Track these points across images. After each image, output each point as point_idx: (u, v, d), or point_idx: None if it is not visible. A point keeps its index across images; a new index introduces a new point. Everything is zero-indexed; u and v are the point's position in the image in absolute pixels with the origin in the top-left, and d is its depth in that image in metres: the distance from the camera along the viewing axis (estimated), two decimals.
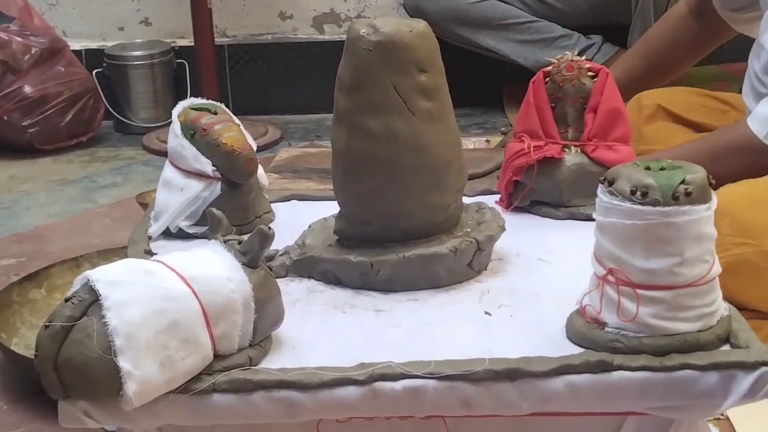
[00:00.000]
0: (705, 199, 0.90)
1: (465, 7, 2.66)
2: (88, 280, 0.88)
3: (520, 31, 2.66)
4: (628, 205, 0.90)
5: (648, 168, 0.92)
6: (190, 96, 2.16)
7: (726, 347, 0.93)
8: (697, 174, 0.91)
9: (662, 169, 0.92)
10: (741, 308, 0.98)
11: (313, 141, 2.66)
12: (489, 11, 2.66)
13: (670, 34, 1.71)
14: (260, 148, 2.53)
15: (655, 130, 1.62)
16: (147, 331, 0.87)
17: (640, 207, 0.89)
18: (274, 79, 2.89)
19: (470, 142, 2.34)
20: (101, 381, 0.87)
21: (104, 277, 0.88)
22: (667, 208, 0.89)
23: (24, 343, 1.58)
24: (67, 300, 0.88)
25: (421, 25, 1.08)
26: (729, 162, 1.29)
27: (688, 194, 0.89)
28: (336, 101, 1.09)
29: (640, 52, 1.74)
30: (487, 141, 2.34)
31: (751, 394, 0.90)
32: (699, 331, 0.92)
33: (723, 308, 0.95)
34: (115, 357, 0.86)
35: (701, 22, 1.67)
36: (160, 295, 0.89)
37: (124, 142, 2.75)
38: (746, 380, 0.90)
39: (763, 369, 0.90)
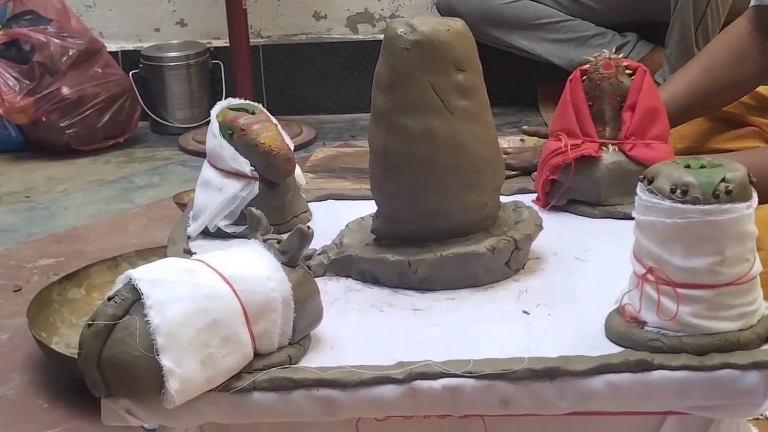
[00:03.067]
0: (746, 197, 0.90)
1: (498, 7, 2.66)
2: (131, 279, 0.89)
3: (554, 31, 2.65)
4: (668, 203, 0.89)
5: (688, 166, 0.92)
6: (226, 96, 2.17)
7: (767, 347, 0.92)
8: (738, 172, 0.90)
9: (702, 167, 0.91)
10: None
11: (347, 141, 2.67)
12: (522, 11, 2.66)
13: (735, 50, 1.55)
14: (295, 148, 2.53)
15: (692, 129, 1.60)
16: (188, 330, 0.88)
17: (680, 205, 0.89)
18: (309, 78, 2.91)
19: (505, 141, 2.33)
20: (143, 379, 0.87)
21: (146, 276, 0.89)
22: (707, 207, 0.88)
23: (64, 342, 1.60)
24: (109, 299, 0.89)
25: (458, 24, 1.08)
26: None
27: (728, 192, 0.88)
28: (373, 100, 1.09)
29: (702, 68, 1.55)
30: (522, 140, 2.33)
31: None
32: (740, 330, 0.91)
33: (764, 307, 0.94)
34: (157, 355, 0.86)
35: (766, 37, 1.53)
36: (201, 294, 0.89)
37: (161, 142, 2.77)
38: None
39: None
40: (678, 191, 0.89)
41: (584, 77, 1.26)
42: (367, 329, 1.01)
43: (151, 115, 2.81)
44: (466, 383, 0.91)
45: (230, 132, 1.21)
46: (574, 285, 1.08)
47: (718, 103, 1.55)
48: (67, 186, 2.48)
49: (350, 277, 1.12)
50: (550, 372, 0.91)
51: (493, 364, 0.92)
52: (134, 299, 0.88)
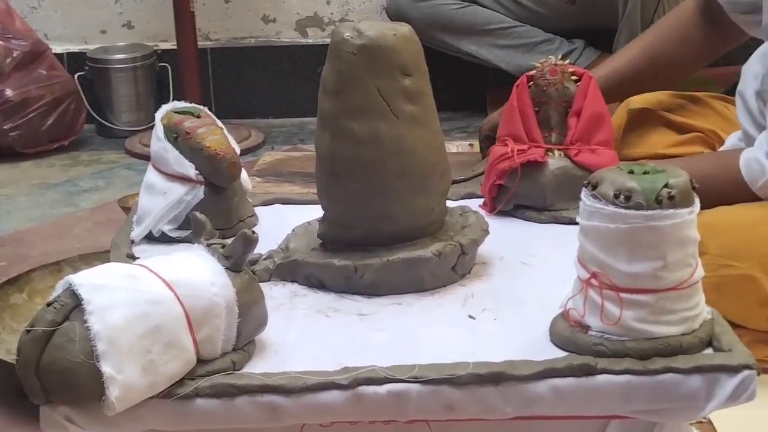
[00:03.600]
0: (688, 202, 0.91)
1: (447, 13, 2.67)
2: (71, 284, 0.88)
3: (503, 37, 2.67)
4: (611, 208, 0.90)
5: (631, 172, 0.92)
6: (173, 99, 2.15)
7: (709, 351, 0.94)
8: (680, 178, 0.91)
9: (645, 173, 0.92)
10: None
11: (296, 145, 2.66)
12: (471, 17, 2.67)
13: (678, 32, 1.60)
14: (243, 152, 2.51)
15: (638, 134, 1.62)
16: (129, 336, 0.87)
17: (623, 210, 0.89)
18: (257, 82, 2.89)
19: (454, 146, 2.34)
20: (83, 386, 0.86)
21: (87, 281, 0.88)
22: (650, 212, 0.89)
23: (5, 348, 1.57)
24: (49, 304, 0.88)
25: (405, 28, 1.08)
26: (721, 189, 1.29)
27: (671, 198, 0.89)
28: (320, 104, 1.09)
29: (645, 47, 1.61)
30: (471, 145, 2.34)
31: (734, 398, 0.90)
32: (682, 334, 0.92)
33: (706, 312, 0.95)
34: (98, 362, 0.85)
35: (710, 23, 1.59)
36: (143, 299, 0.88)
37: (107, 145, 2.74)
38: (729, 383, 0.90)
39: (746, 372, 0.90)
40: (621, 197, 0.89)
41: (530, 83, 1.27)
42: (312, 334, 1.01)
43: (97, 118, 2.78)
44: (411, 388, 0.91)
45: (175, 135, 1.20)
46: (519, 290, 1.08)
47: (657, 82, 1.60)
48: (10, 189, 2.44)
49: (296, 282, 1.11)
50: (495, 377, 0.91)
51: (438, 369, 0.92)
52: (74, 305, 0.87)
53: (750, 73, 1.45)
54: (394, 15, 2.71)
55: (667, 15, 1.66)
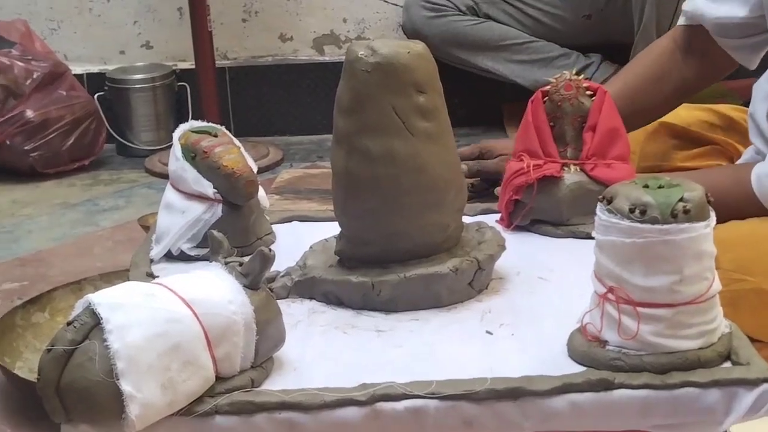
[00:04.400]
0: (703, 216, 0.91)
1: (462, 29, 2.68)
2: (90, 303, 0.89)
3: (518, 52, 2.67)
4: (626, 223, 0.90)
5: (646, 186, 0.92)
6: (192, 118, 2.17)
7: (727, 364, 0.93)
8: (695, 192, 0.91)
9: (660, 187, 0.92)
10: None
11: (314, 162, 2.67)
12: (487, 33, 2.68)
13: (654, 70, 1.56)
14: (262, 170, 2.54)
15: (656, 147, 1.62)
16: (149, 354, 0.87)
17: (638, 225, 0.89)
18: (275, 100, 2.91)
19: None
20: (103, 404, 0.87)
21: (105, 300, 0.89)
22: (665, 226, 0.89)
23: (28, 367, 1.59)
24: (69, 324, 0.89)
25: (419, 46, 1.08)
26: (734, 204, 1.29)
27: (686, 212, 0.89)
28: (335, 123, 1.10)
29: (620, 87, 1.55)
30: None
31: (753, 411, 0.90)
32: (700, 348, 0.92)
33: (724, 325, 0.95)
34: (117, 380, 0.86)
35: (691, 56, 1.55)
36: (162, 317, 0.89)
37: (126, 165, 2.76)
38: (748, 397, 0.90)
39: (765, 386, 0.90)
40: (636, 211, 0.90)
41: (545, 98, 1.27)
42: (330, 351, 1.01)
43: (117, 137, 2.80)
44: (429, 404, 0.91)
45: (192, 155, 1.21)
46: (537, 305, 1.08)
47: (635, 122, 1.55)
48: (32, 209, 2.46)
49: (314, 299, 1.11)
50: (513, 392, 0.91)
51: (455, 384, 0.92)
52: (94, 324, 0.88)
53: (761, 92, 1.44)
54: (411, 32, 2.72)
55: (642, 53, 1.62)
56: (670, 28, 2.47)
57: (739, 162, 1.50)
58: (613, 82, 1.62)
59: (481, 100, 2.84)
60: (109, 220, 2.36)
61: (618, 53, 2.64)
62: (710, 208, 0.92)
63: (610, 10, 2.65)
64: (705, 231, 0.90)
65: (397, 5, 2.86)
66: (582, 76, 1.29)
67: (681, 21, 1.56)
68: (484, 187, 1.54)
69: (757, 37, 1.46)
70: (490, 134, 2.82)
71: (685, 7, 1.56)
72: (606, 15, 2.66)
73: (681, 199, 0.90)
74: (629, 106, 1.50)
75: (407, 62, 1.06)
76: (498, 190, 1.36)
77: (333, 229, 1.16)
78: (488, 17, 2.70)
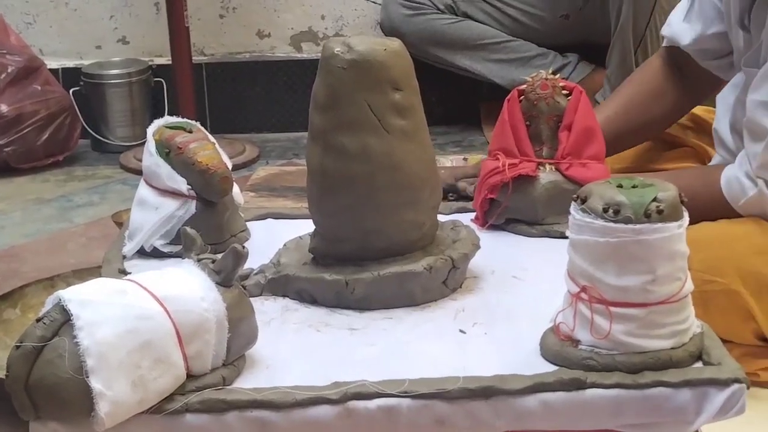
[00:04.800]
0: (677, 216, 0.91)
1: (440, 27, 2.68)
2: (60, 299, 0.88)
3: (496, 51, 2.68)
4: (600, 222, 0.90)
5: (620, 186, 0.93)
6: (168, 114, 2.15)
7: (699, 364, 0.94)
8: (669, 192, 0.91)
9: (634, 186, 0.92)
10: None
11: (290, 159, 2.66)
12: (465, 32, 2.68)
13: (651, 86, 1.56)
14: (238, 167, 2.52)
15: (629, 150, 1.62)
16: (119, 351, 0.86)
17: (612, 224, 0.90)
18: (252, 97, 2.89)
19: (448, 160, 2.35)
20: (73, 401, 0.86)
21: (76, 296, 0.88)
22: (638, 226, 0.89)
23: None
24: (38, 320, 0.88)
25: (395, 43, 1.08)
26: (704, 205, 1.29)
27: (659, 212, 0.90)
28: (311, 119, 1.09)
29: (620, 104, 1.55)
30: (465, 159, 2.35)
31: (724, 411, 0.90)
32: (672, 348, 0.92)
33: (696, 325, 0.95)
34: (87, 377, 0.85)
35: (680, 76, 1.56)
36: (133, 314, 0.88)
37: (101, 160, 2.74)
38: (719, 397, 0.90)
39: (735, 386, 0.90)
40: (610, 211, 0.90)
41: (521, 97, 1.27)
42: (303, 349, 1.01)
43: (92, 133, 2.78)
44: (401, 403, 0.91)
45: (167, 150, 1.20)
46: (510, 304, 1.08)
47: (635, 139, 1.56)
48: (5, 205, 2.43)
49: (288, 296, 1.11)
50: (485, 391, 0.91)
51: (428, 383, 0.92)
52: (63, 320, 0.87)
53: (724, 105, 1.45)
54: (388, 30, 2.72)
55: (636, 71, 1.63)
56: (647, 28, 2.49)
57: (711, 164, 1.51)
58: (610, 99, 1.63)
59: (458, 99, 2.84)
60: (83, 217, 2.34)
61: (595, 54, 2.65)
62: (683, 208, 0.92)
63: (588, 10, 2.66)
64: (678, 231, 0.91)
65: (375, 3, 2.85)
66: (559, 75, 1.29)
67: (663, 43, 1.57)
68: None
69: (731, 56, 1.46)
70: (467, 133, 2.82)
71: (662, 31, 1.57)
72: (584, 15, 2.67)
73: (654, 199, 0.90)
74: (626, 123, 1.52)
75: (383, 59, 1.06)
76: (472, 189, 1.36)
77: (308, 226, 1.16)
78: (466, 16, 2.70)
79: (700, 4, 1.48)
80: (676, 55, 1.54)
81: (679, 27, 1.51)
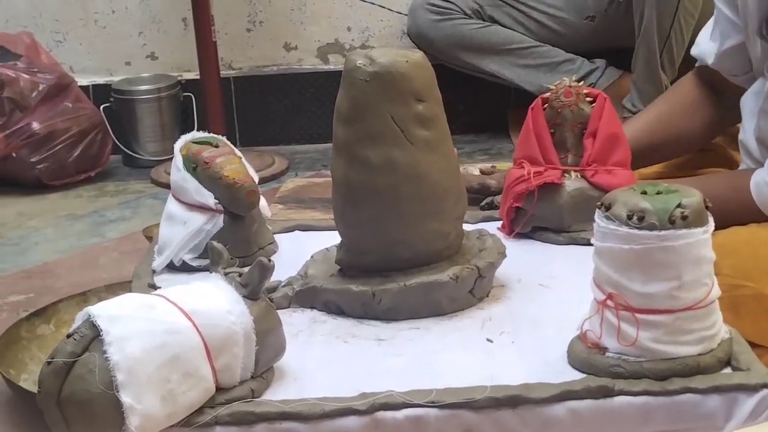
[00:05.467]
0: (701, 222, 0.90)
1: (468, 32, 2.68)
2: (90, 315, 0.89)
3: (524, 56, 2.67)
4: (625, 229, 0.90)
5: (644, 192, 0.92)
6: (197, 128, 2.17)
7: (727, 370, 0.93)
8: (693, 198, 0.91)
9: (658, 193, 0.92)
10: None
11: (319, 171, 2.67)
12: (492, 37, 2.68)
13: (689, 100, 1.54)
14: (267, 179, 2.54)
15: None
16: (148, 366, 0.87)
17: (636, 231, 0.89)
18: (280, 109, 2.91)
19: (476, 168, 2.35)
20: (104, 416, 0.87)
21: (105, 312, 0.89)
22: (663, 232, 0.89)
23: (32, 379, 1.59)
24: (69, 336, 0.89)
25: (417, 55, 1.09)
26: (733, 210, 1.29)
27: (684, 218, 0.89)
28: (335, 132, 1.10)
29: (652, 119, 1.55)
30: (493, 167, 2.34)
31: (753, 417, 0.90)
32: (700, 354, 0.92)
33: (724, 331, 0.95)
34: (117, 392, 0.86)
35: (715, 93, 1.54)
36: (161, 329, 0.89)
37: (132, 176, 2.77)
38: (748, 403, 0.90)
39: (765, 391, 0.90)
40: (634, 217, 0.90)
41: (545, 105, 1.27)
42: (330, 361, 1.01)
43: (123, 148, 2.81)
44: (429, 413, 0.91)
45: (194, 165, 1.21)
46: (537, 312, 1.08)
47: (667, 153, 1.55)
48: (38, 221, 2.47)
49: (315, 308, 1.12)
50: (513, 400, 0.91)
51: (455, 393, 0.92)
52: (93, 336, 0.88)
53: (747, 112, 1.44)
54: (416, 36, 2.72)
55: (675, 85, 1.62)
56: (671, 29, 2.47)
57: (738, 169, 1.50)
58: (643, 112, 1.62)
59: (486, 106, 2.84)
60: (115, 231, 2.37)
61: (623, 59, 2.64)
62: (708, 213, 0.92)
63: (613, 11, 2.65)
64: (703, 237, 0.90)
65: (401, 13, 2.86)
66: (587, 80, 1.29)
67: (698, 62, 1.56)
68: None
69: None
70: (495, 140, 2.82)
71: (692, 51, 1.57)
72: (609, 17, 2.66)
73: (679, 205, 0.90)
74: (657, 136, 1.51)
75: (406, 71, 1.06)
76: (498, 198, 1.36)
77: (335, 238, 1.16)
78: (493, 20, 2.70)
79: (717, 20, 1.48)
80: (707, 74, 1.54)
81: (706, 47, 1.51)
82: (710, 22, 1.52)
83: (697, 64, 1.56)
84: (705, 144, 1.59)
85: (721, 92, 1.54)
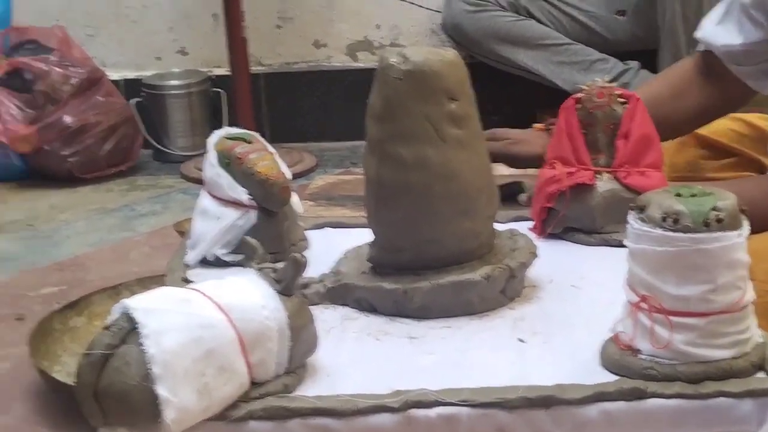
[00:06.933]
0: (736, 225, 0.90)
1: (503, 25, 2.67)
2: (126, 308, 0.90)
3: (558, 53, 2.66)
4: (659, 231, 0.90)
5: (679, 194, 0.92)
6: (227, 124, 2.18)
7: (761, 374, 0.93)
8: (728, 200, 0.91)
9: (693, 195, 0.92)
10: None
11: (348, 168, 2.68)
12: (528, 30, 2.67)
13: (674, 87, 1.54)
14: (296, 176, 2.53)
15: (686, 158, 1.61)
16: (184, 359, 0.88)
17: (671, 234, 0.89)
18: (309, 106, 2.92)
19: (505, 168, 2.34)
20: (140, 408, 0.88)
21: (142, 305, 0.90)
22: (698, 235, 0.89)
23: (66, 370, 1.60)
24: (105, 328, 0.90)
25: (450, 53, 1.09)
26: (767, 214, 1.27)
27: (719, 221, 0.89)
28: (367, 129, 1.11)
29: (641, 96, 1.47)
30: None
31: None
32: (733, 358, 0.92)
33: (758, 335, 0.94)
34: (154, 384, 0.87)
35: (710, 78, 1.53)
36: (197, 323, 0.90)
37: (163, 170, 2.78)
38: None
39: None
40: (669, 220, 0.89)
41: (578, 105, 1.27)
42: (363, 357, 1.02)
43: (153, 143, 2.83)
44: (461, 412, 0.91)
45: (227, 161, 1.22)
46: (569, 313, 1.08)
47: (660, 132, 1.52)
48: (69, 214, 2.48)
49: (347, 305, 1.12)
50: (546, 400, 0.91)
51: (488, 392, 0.92)
52: (130, 328, 0.89)
53: None
54: (451, 27, 2.72)
55: (665, 70, 1.61)
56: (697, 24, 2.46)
57: None
58: (639, 89, 1.60)
59: (514, 106, 2.83)
60: (145, 226, 2.38)
61: (656, 62, 2.62)
62: (743, 217, 0.92)
63: (644, 5, 2.64)
64: (738, 240, 0.90)
65: (430, 9, 2.86)
66: (620, 81, 1.29)
67: (699, 47, 1.55)
68: None
69: (763, 65, 1.44)
70: None
71: (696, 34, 1.55)
72: (639, 11, 2.65)
73: (714, 208, 0.90)
74: (651, 113, 1.49)
75: (439, 69, 1.07)
76: (523, 196, 1.36)
77: (366, 235, 1.17)
78: (528, 13, 2.69)
79: (738, 15, 1.47)
80: (708, 60, 1.53)
81: (713, 29, 1.50)
82: (719, 8, 1.50)
83: (700, 49, 1.55)
84: (694, 128, 1.57)
85: (716, 79, 1.52)
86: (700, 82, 1.54)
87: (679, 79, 1.56)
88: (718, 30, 1.49)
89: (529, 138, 1.56)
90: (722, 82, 1.52)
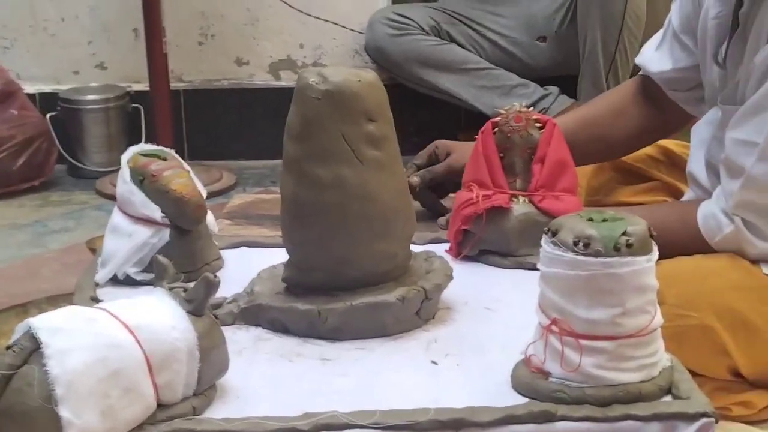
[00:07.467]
0: (646, 250, 0.92)
1: (426, 49, 2.69)
2: (30, 327, 0.87)
3: (480, 77, 2.69)
4: (570, 255, 0.91)
5: (591, 219, 0.93)
6: (145, 141, 2.14)
7: (668, 398, 0.94)
8: (639, 226, 0.92)
9: (604, 220, 0.93)
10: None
11: (267, 187, 2.66)
12: (449, 55, 2.70)
13: (614, 106, 1.56)
14: (215, 194, 2.52)
15: (602, 181, 1.64)
16: (88, 380, 0.86)
17: (582, 258, 0.90)
18: (230, 124, 2.90)
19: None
20: (42, 430, 0.85)
21: (46, 324, 0.87)
22: (608, 259, 0.90)
23: None
24: (8, 348, 0.87)
25: (370, 74, 1.09)
26: (679, 240, 1.30)
27: (629, 246, 0.90)
28: (285, 148, 1.10)
29: (581, 118, 1.56)
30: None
31: None
32: (641, 381, 0.93)
33: (665, 359, 0.96)
34: (56, 406, 0.84)
35: (650, 102, 1.56)
36: (103, 343, 0.88)
37: (77, 186, 2.73)
38: (687, 431, 0.91)
39: (704, 420, 0.91)
40: (580, 244, 0.90)
41: (495, 129, 1.28)
42: (274, 379, 1.01)
43: (68, 158, 2.77)
44: None
45: (141, 178, 1.20)
46: (483, 335, 1.08)
47: (591, 156, 1.56)
48: None
49: (260, 326, 1.11)
50: (456, 423, 0.91)
51: (399, 415, 0.92)
52: (33, 348, 0.86)
53: (697, 140, 1.46)
54: (374, 50, 2.73)
55: (607, 92, 1.65)
56: (617, 50, 2.51)
57: (683, 199, 1.52)
58: (575, 110, 1.65)
59: (436, 128, 2.85)
60: (57, 242, 2.33)
61: (575, 88, 2.67)
62: (653, 242, 0.93)
63: (564, 32, 2.68)
64: (647, 265, 0.91)
65: (354, 31, 2.87)
66: (539, 106, 1.30)
67: (641, 71, 1.59)
68: (432, 198, 1.47)
69: (701, 90, 1.48)
70: None
71: (636, 59, 1.59)
72: (560, 38, 2.69)
73: (624, 233, 0.91)
74: (587, 132, 1.52)
75: (358, 90, 1.06)
76: (442, 219, 1.37)
77: (282, 255, 1.16)
78: (450, 37, 2.72)
79: (670, 40, 1.50)
80: (647, 84, 1.56)
81: (651, 55, 1.53)
82: (658, 34, 1.54)
83: (641, 73, 1.58)
84: (629, 151, 1.60)
85: (655, 104, 1.56)
86: (640, 103, 1.57)
87: (619, 99, 1.58)
88: (654, 55, 1.52)
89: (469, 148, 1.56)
90: (660, 106, 1.55)
